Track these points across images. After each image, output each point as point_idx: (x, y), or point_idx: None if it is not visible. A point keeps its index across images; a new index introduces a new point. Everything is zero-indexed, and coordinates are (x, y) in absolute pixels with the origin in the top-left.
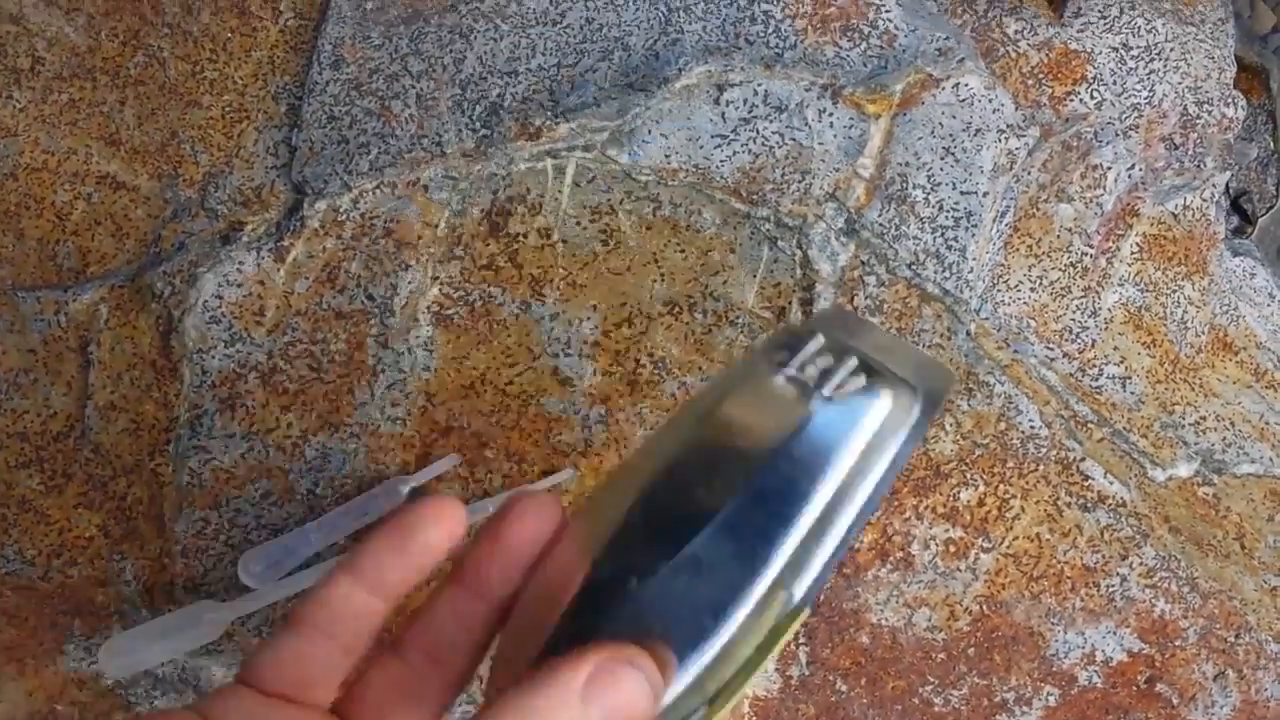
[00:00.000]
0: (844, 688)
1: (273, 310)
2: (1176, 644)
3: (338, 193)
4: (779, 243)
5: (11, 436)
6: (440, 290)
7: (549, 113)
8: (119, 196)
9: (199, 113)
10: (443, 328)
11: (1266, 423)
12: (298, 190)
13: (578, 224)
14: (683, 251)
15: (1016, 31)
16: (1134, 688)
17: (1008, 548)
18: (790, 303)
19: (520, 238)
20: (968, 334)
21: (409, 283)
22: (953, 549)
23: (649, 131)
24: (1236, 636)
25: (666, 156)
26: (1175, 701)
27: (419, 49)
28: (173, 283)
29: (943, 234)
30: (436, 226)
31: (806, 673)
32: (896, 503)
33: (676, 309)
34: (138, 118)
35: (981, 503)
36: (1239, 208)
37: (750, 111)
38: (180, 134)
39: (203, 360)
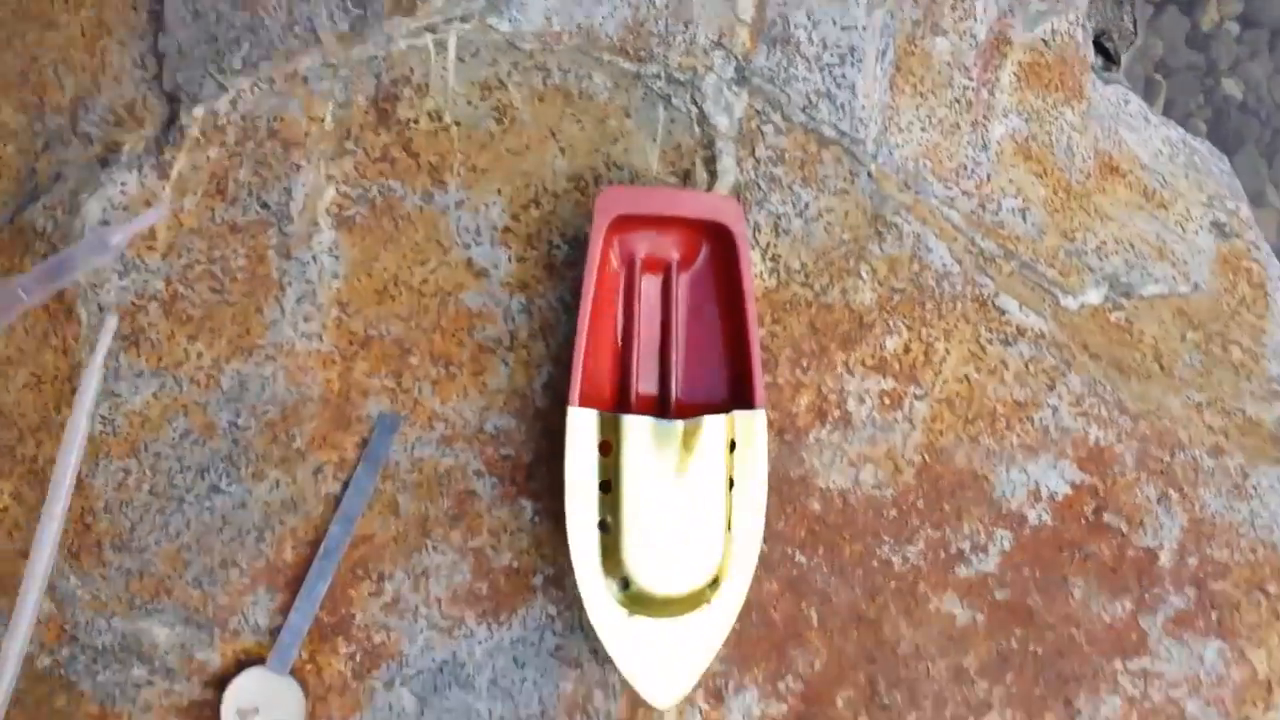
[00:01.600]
0: (803, 559)
1: (164, 231)
2: (1116, 470)
3: (214, 96)
4: (673, 100)
5: None
6: (337, 190)
7: None
8: None
9: (56, 34)
10: (345, 230)
11: (1163, 241)
12: (171, 100)
13: (468, 103)
14: (579, 122)
15: None
16: (1083, 521)
17: (940, 392)
18: (694, 163)
19: (411, 123)
20: (869, 175)
21: (303, 185)
22: (887, 400)
23: None
24: (1172, 455)
25: (548, 19)
26: (1124, 529)
27: None
28: (54, 216)
29: (830, 72)
30: (323, 120)
31: (765, 548)
32: (826, 360)
33: (582, 183)
34: None
35: (908, 349)
36: (1101, 47)
37: None
38: (40, 59)
39: (97, 296)
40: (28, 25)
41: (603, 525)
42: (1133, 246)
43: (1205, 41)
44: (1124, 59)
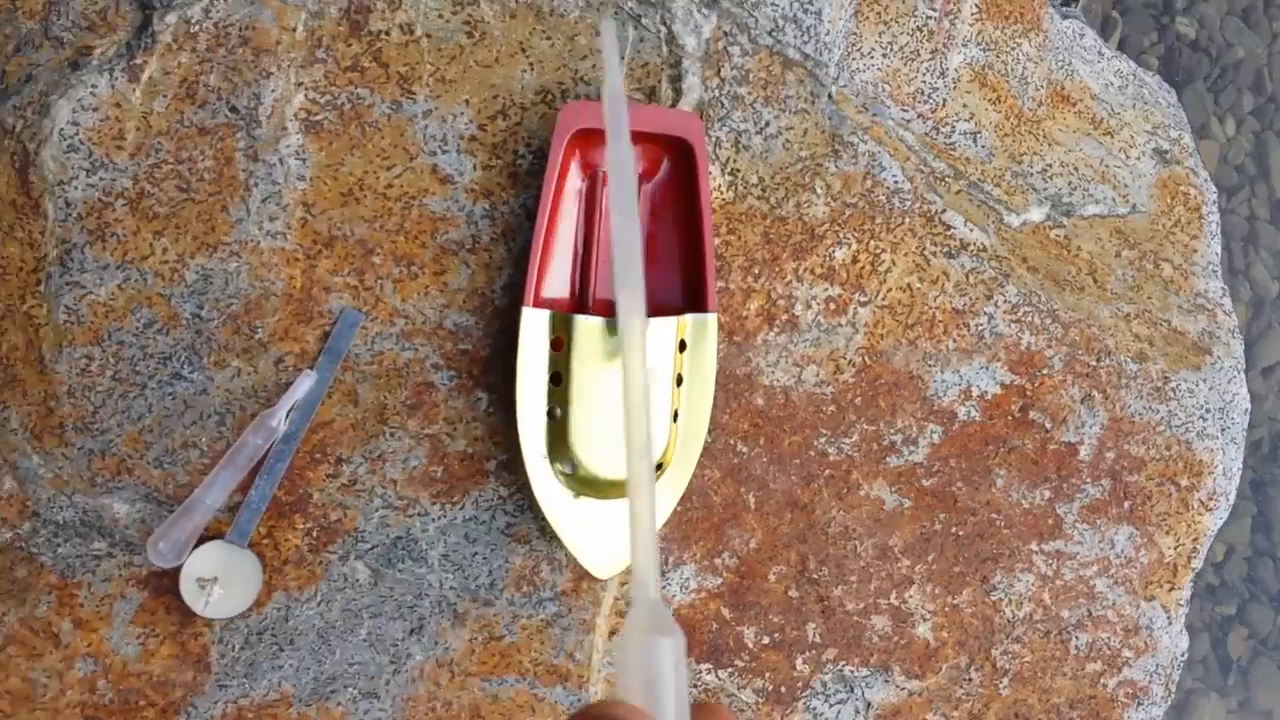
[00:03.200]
0: (744, 449)
1: (133, 133)
2: (1044, 373)
3: (187, 3)
4: (643, 20)
5: None
6: (306, 96)
7: None
8: None
9: None
10: (313, 135)
11: (1106, 166)
12: (144, 6)
13: (440, 17)
14: (549, 38)
15: None
16: (1009, 417)
17: (883, 300)
18: (660, 81)
19: (383, 35)
20: (829, 97)
21: (272, 91)
22: (833, 306)
23: None
24: (1098, 360)
25: None
26: (1048, 426)
27: None
28: (24, 115)
29: None
30: (294, 30)
31: (709, 439)
32: (778, 268)
33: (549, 96)
34: None
35: (855, 259)
36: None
37: None
38: None
39: (65, 192)
40: None
41: (552, 414)
42: (1077, 170)
43: None
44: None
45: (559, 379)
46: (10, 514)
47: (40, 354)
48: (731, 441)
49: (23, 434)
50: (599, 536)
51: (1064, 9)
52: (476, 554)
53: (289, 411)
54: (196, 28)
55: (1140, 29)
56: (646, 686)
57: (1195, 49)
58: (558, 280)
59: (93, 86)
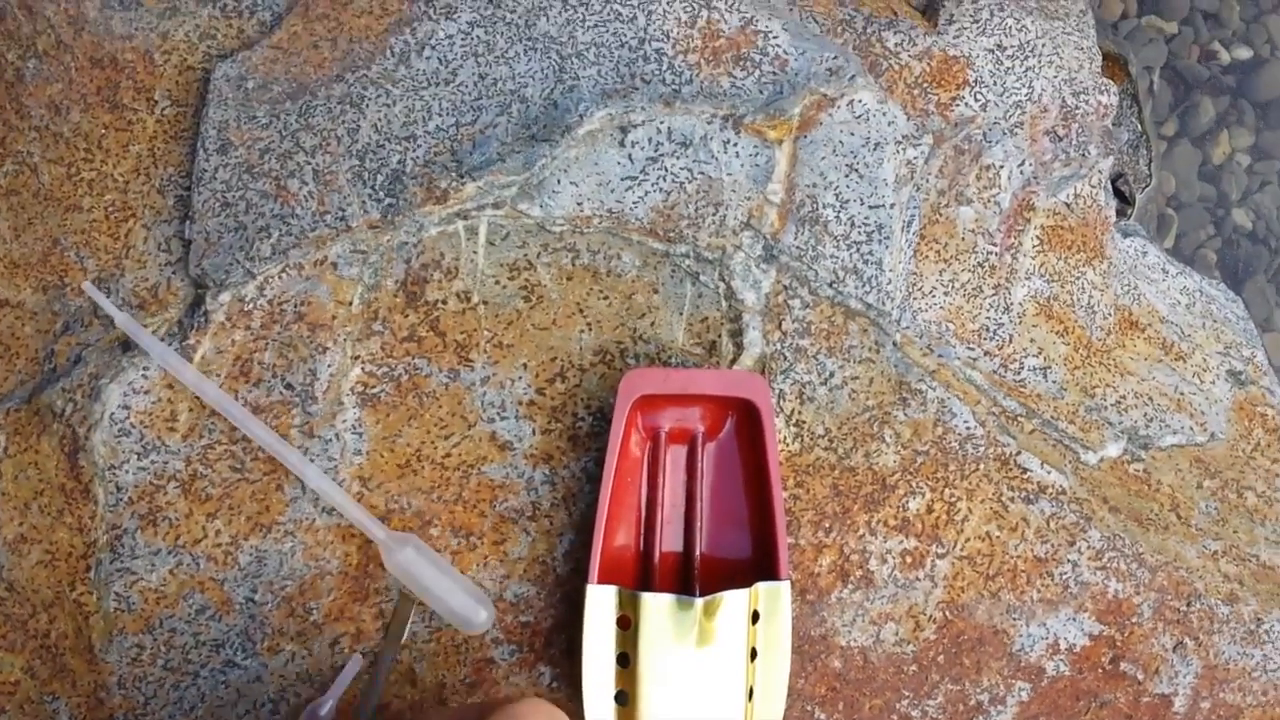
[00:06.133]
0: (822, 715)
1: (185, 414)
2: (1133, 621)
3: (241, 282)
4: (701, 277)
5: None
6: (363, 369)
7: (454, 174)
8: (2, 315)
9: (80, 216)
10: (370, 408)
11: (1181, 394)
12: (197, 285)
13: (496, 283)
14: (606, 298)
15: (896, 44)
16: (1099, 670)
17: (961, 550)
18: (720, 335)
19: (439, 304)
20: (894, 344)
21: (328, 366)
22: (909, 560)
23: (558, 181)
24: (1188, 605)
25: (579, 204)
26: (1140, 677)
27: (309, 123)
28: (73, 399)
29: (858, 249)
30: (350, 304)
31: (785, 706)
32: (849, 521)
33: (608, 356)
34: (14, 229)
35: (930, 509)
36: (1117, 190)
37: (656, 150)
38: (62, 241)
39: (116, 476)
40: (49, 206)
41: (620, 697)
42: (1151, 400)
43: (1216, 174)
44: (1139, 199)
45: (626, 659)
46: None
47: (90, 643)
48: (809, 708)
49: None
50: None
51: (1121, 220)
52: None
53: (350, 703)
54: (251, 306)
55: (1196, 224)
56: (416, 583)
57: (1254, 240)
58: (623, 548)
59: (144, 369)
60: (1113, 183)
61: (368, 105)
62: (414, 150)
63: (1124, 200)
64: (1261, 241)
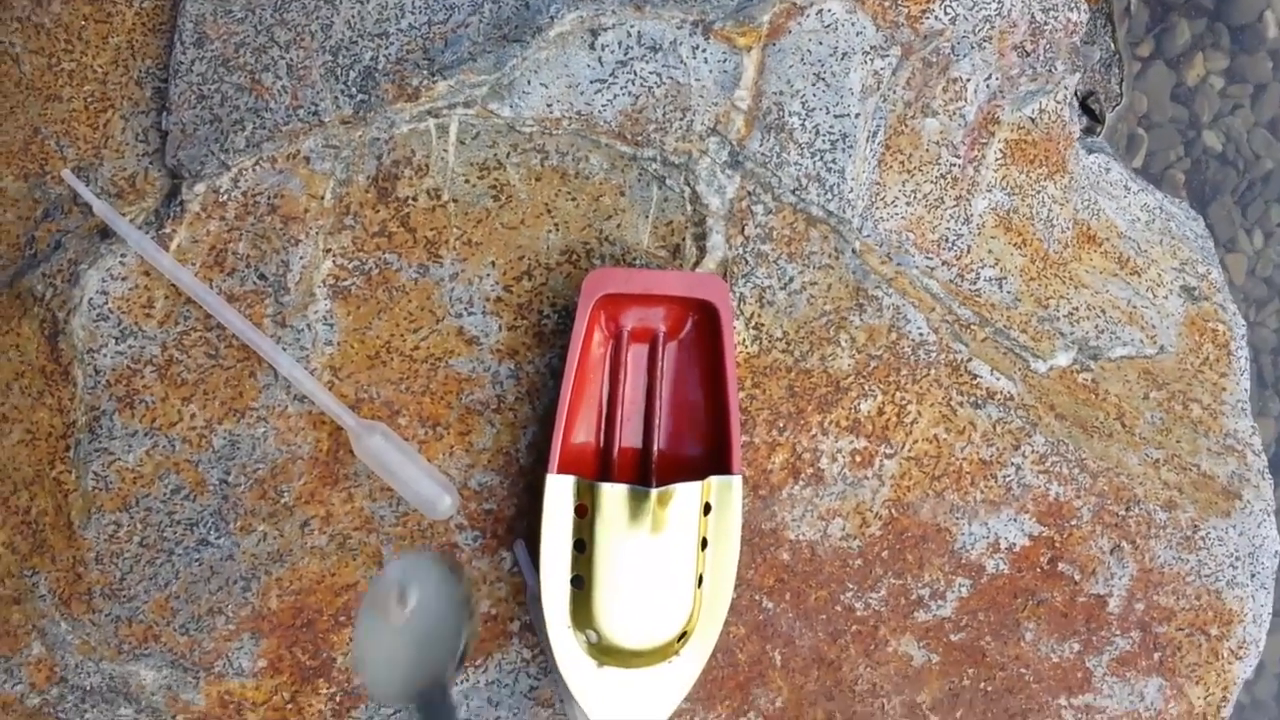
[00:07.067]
0: (770, 605)
1: (162, 301)
2: (1072, 524)
3: (216, 173)
4: (667, 181)
5: None
6: (334, 262)
7: (425, 72)
8: None
9: (60, 106)
10: (341, 300)
11: (1134, 307)
12: (173, 175)
13: (466, 181)
14: (574, 199)
15: None
16: (1038, 569)
17: (909, 451)
18: (684, 239)
19: (410, 201)
20: (854, 252)
21: (300, 258)
22: (859, 459)
23: (528, 82)
24: (1127, 510)
25: (548, 105)
26: (1077, 578)
27: (284, 19)
28: (53, 283)
29: (821, 158)
30: (323, 198)
31: (734, 595)
32: (802, 421)
33: (574, 256)
34: None
35: (881, 411)
36: (1087, 108)
37: (626, 54)
38: (43, 130)
39: (94, 360)
40: (30, 96)
41: (577, 581)
42: (1104, 312)
43: (1189, 95)
44: (1109, 118)
45: (583, 546)
46: (38, 679)
47: (69, 520)
48: (757, 597)
49: (51, 600)
50: (623, 708)
51: (1089, 136)
52: (499, 717)
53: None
54: (225, 197)
55: (1166, 144)
56: (384, 469)
57: (1223, 162)
58: (583, 441)
59: (122, 256)
60: (1083, 101)
61: (342, 2)
62: (387, 47)
63: (1094, 118)
64: (1230, 164)
